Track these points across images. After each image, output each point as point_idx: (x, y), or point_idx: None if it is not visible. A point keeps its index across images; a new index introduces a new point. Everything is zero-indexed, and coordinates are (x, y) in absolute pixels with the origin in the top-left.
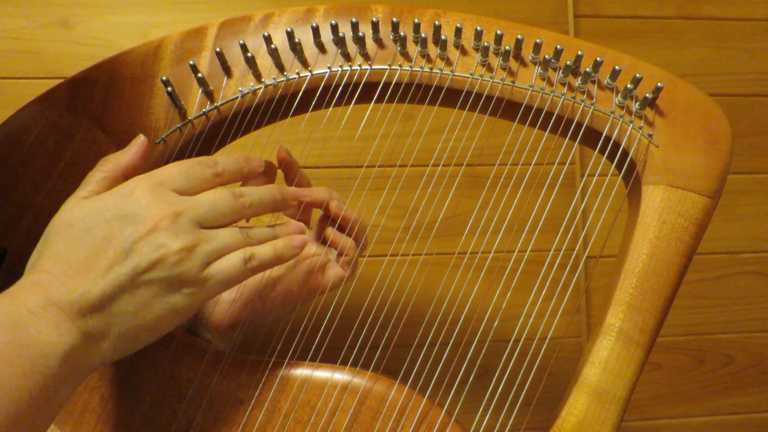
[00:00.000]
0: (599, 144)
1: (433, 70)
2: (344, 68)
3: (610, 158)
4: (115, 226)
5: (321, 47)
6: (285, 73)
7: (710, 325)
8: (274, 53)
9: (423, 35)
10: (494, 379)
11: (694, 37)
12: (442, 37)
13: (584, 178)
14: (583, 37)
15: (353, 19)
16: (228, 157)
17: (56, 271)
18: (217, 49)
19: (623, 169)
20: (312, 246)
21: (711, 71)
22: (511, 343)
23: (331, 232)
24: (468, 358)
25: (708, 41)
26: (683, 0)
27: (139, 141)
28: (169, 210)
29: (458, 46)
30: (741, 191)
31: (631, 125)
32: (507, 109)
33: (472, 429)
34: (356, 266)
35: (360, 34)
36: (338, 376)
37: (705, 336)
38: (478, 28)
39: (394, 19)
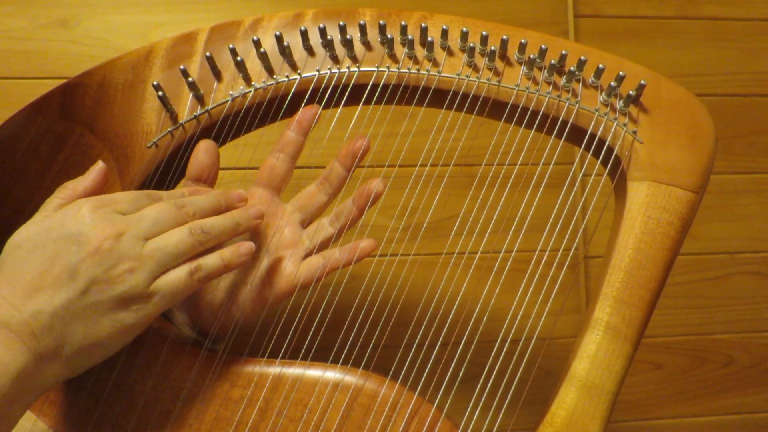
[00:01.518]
0: (584, 141)
1: (421, 71)
2: (333, 71)
3: (596, 155)
4: (60, 246)
5: (310, 50)
6: (274, 77)
7: (710, 325)
8: (263, 57)
9: (410, 37)
10: (490, 379)
11: (694, 37)
12: (429, 38)
13: (579, 177)
14: (582, 37)
15: (341, 23)
16: (204, 197)
17: (5, 292)
18: (207, 54)
19: (609, 166)
20: (287, 233)
21: (711, 71)
22: (498, 342)
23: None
24: (458, 357)
25: (708, 41)
26: (683, 0)
27: (98, 167)
28: (111, 230)
29: (445, 47)
30: (741, 191)
31: (616, 122)
32: (494, 108)
33: (461, 427)
34: (331, 271)
35: (348, 37)
36: (330, 374)
37: (705, 336)
38: (464, 29)
39: (382, 22)
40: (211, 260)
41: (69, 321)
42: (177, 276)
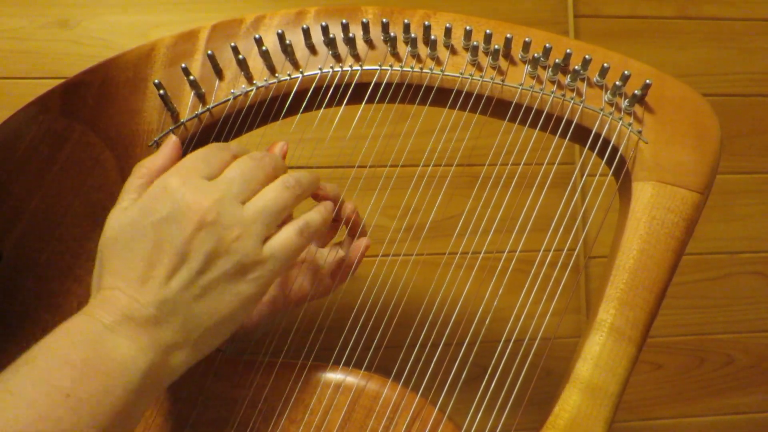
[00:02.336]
0: (589, 141)
1: (424, 70)
2: (335, 69)
3: (600, 155)
4: (160, 230)
5: (312, 49)
6: (276, 75)
7: (710, 325)
8: (265, 55)
9: (413, 35)
10: (493, 379)
11: (694, 37)
12: (432, 37)
13: (584, 177)
14: (583, 37)
15: (344, 21)
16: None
17: (121, 285)
18: (209, 52)
19: (613, 166)
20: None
21: (711, 71)
22: (502, 342)
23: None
24: (461, 357)
25: (708, 41)
26: (683, 0)
27: (171, 141)
28: (207, 200)
29: (448, 45)
30: (741, 191)
31: (621, 122)
32: (497, 107)
33: (464, 428)
34: (344, 280)
35: (350, 35)
36: (331, 375)
37: (705, 336)
38: (468, 27)
39: (384, 20)
40: (314, 215)
41: (191, 303)
42: (287, 236)
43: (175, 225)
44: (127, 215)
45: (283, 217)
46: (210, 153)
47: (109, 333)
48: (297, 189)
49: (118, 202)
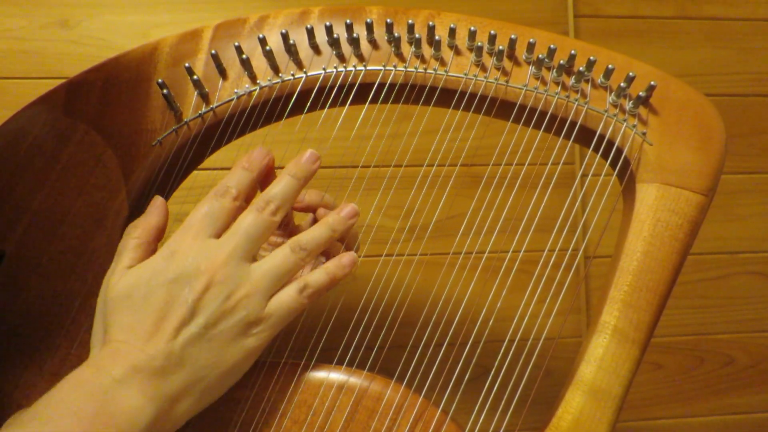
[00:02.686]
0: (593, 142)
1: (428, 71)
2: (339, 69)
3: (605, 156)
4: (172, 290)
5: (316, 49)
6: (280, 75)
7: (710, 325)
8: (269, 55)
9: (417, 36)
10: (497, 379)
11: (694, 37)
12: (436, 37)
13: (588, 178)
14: (583, 37)
15: (348, 21)
16: (234, 172)
17: (131, 339)
18: (213, 52)
19: (617, 168)
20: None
21: (711, 71)
22: (506, 343)
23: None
24: (464, 358)
25: (708, 41)
26: (683, 0)
27: (159, 202)
28: (215, 262)
29: (452, 46)
30: (741, 191)
31: (625, 124)
32: (501, 108)
33: (467, 428)
34: (335, 284)
35: (354, 35)
36: (334, 375)
37: (705, 336)
38: (472, 28)
39: (388, 20)
40: (317, 276)
41: (197, 357)
42: (288, 295)
43: (185, 285)
44: (137, 275)
45: (287, 279)
46: (213, 208)
47: (118, 385)
48: (302, 254)
49: (116, 261)
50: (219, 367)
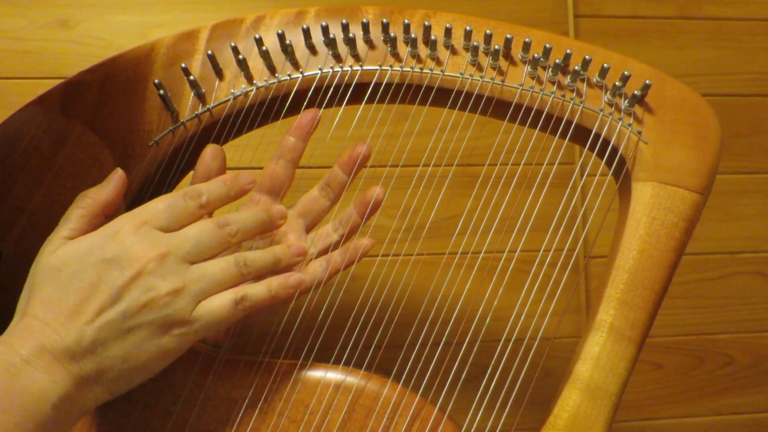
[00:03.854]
0: (589, 141)
1: (424, 70)
2: (335, 69)
3: (600, 155)
4: (102, 270)
5: (312, 49)
6: (276, 75)
7: (710, 325)
8: (265, 55)
9: (413, 36)
10: (494, 378)
11: (694, 37)
12: (432, 37)
13: (584, 178)
14: (582, 37)
15: (344, 21)
16: (213, 182)
17: (47, 317)
18: (209, 52)
19: (613, 166)
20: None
21: (711, 71)
22: (502, 342)
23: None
24: (460, 357)
25: (708, 41)
26: (683, 0)
27: (117, 175)
28: (154, 252)
29: (448, 46)
30: (741, 191)
31: (621, 122)
32: (497, 108)
33: (464, 426)
34: (335, 273)
35: (350, 35)
36: (331, 375)
37: (705, 336)
38: (468, 28)
39: (384, 20)
40: (257, 290)
41: (111, 345)
42: (221, 304)
43: (116, 268)
44: (73, 248)
45: (221, 290)
46: (176, 202)
47: (25, 364)
48: (244, 269)
49: (57, 229)
50: (129, 361)
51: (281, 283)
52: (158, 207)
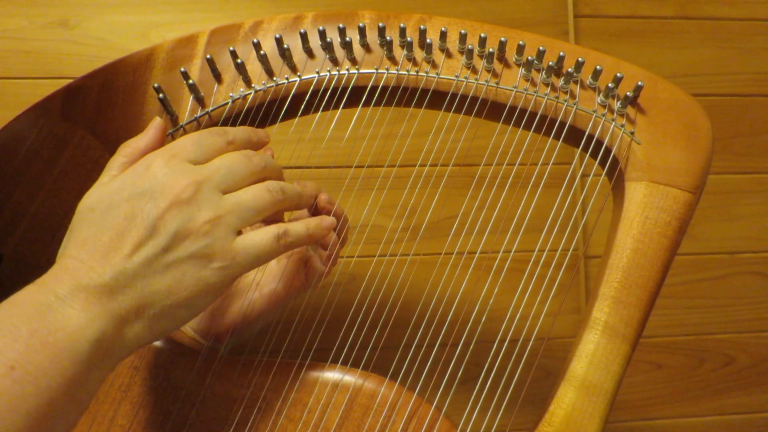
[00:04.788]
0: (582, 142)
1: (419, 73)
2: (332, 73)
3: (594, 156)
4: (135, 204)
5: (309, 53)
6: (274, 79)
7: (710, 325)
8: (263, 59)
9: (409, 39)
10: (489, 379)
11: (694, 37)
12: (428, 40)
13: (577, 178)
14: (582, 37)
15: (340, 25)
16: (237, 128)
17: (83, 255)
18: (208, 56)
19: (606, 167)
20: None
21: (711, 71)
22: (497, 342)
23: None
24: (455, 357)
25: (708, 41)
26: (683, 0)
27: (156, 123)
28: (187, 180)
29: (443, 49)
30: (741, 191)
31: (613, 123)
32: (492, 110)
33: (460, 425)
34: (336, 261)
35: (347, 39)
36: (329, 374)
37: (705, 336)
38: (462, 31)
39: (381, 24)
40: (298, 227)
41: (151, 280)
42: (263, 237)
43: (150, 200)
44: (106, 188)
45: (259, 218)
46: (204, 137)
47: (60, 303)
48: (279, 195)
49: (99, 179)
50: (172, 296)
51: (318, 223)
52: (186, 142)
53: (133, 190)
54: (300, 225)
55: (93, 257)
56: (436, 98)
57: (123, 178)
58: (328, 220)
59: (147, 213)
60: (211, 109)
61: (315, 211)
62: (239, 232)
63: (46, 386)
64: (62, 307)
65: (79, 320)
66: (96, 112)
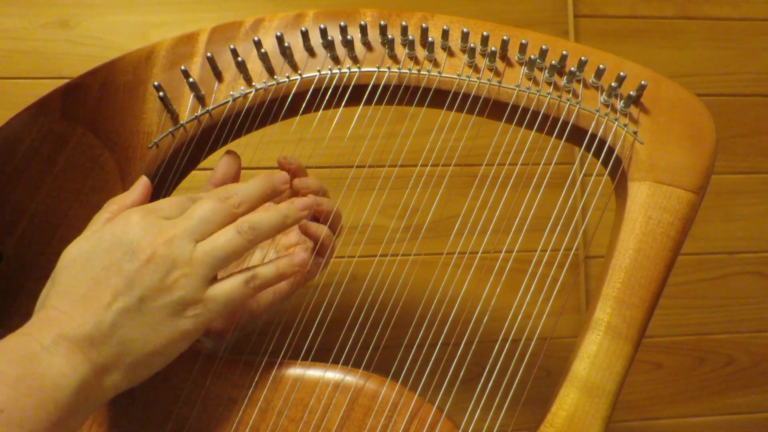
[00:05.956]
0: (585, 142)
1: (421, 72)
2: (333, 71)
3: (596, 155)
4: (114, 256)
5: (311, 51)
6: (275, 77)
7: (710, 325)
8: (264, 57)
9: (410, 38)
10: (491, 379)
11: (694, 37)
12: (429, 39)
13: (580, 178)
14: (583, 37)
15: (342, 23)
16: (247, 184)
17: (64, 306)
18: (209, 54)
19: (609, 166)
20: (293, 235)
21: (711, 71)
22: (499, 342)
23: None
24: (458, 357)
25: (708, 41)
26: (683, 0)
27: (142, 182)
28: (162, 237)
29: (445, 47)
30: (741, 191)
31: (616, 123)
32: (494, 108)
33: (462, 426)
34: (332, 254)
35: (349, 37)
36: (330, 374)
37: (705, 336)
38: (465, 29)
39: (382, 23)
40: (266, 270)
41: (128, 330)
42: (232, 284)
43: (127, 255)
44: (88, 241)
45: (231, 261)
46: (181, 201)
47: (45, 351)
48: (250, 235)
49: (83, 232)
50: (149, 345)
51: (288, 262)
52: (166, 202)
53: (112, 242)
54: (269, 267)
55: (74, 308)
56: (438, 97)
57: (103, 231)
58: (299, 258)
59: (124, 266)
60: (211, 107)
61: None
62: (214, 277)
63: (30, 429)
64: (47, 356)
65: (63, 368)
66: (96, 111)
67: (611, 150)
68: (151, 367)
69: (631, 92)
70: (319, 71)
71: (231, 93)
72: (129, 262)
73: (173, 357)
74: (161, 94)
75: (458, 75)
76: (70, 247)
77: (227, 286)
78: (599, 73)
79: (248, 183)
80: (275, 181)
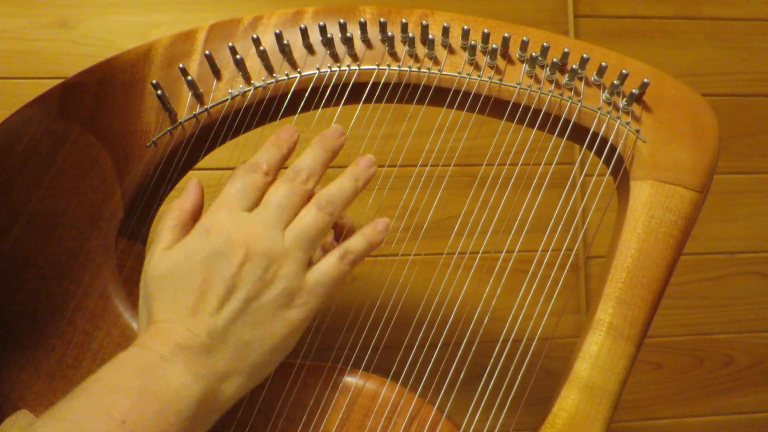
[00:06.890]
0: (587, 140)
1: (421, 70)
2: (333, 69)
3: (598, 154)
4: (210, 266)
5: (310, 48)
6: (274, 75)
7: (710, 325)
8: (263, 55)
9: (411, 35)
10: (491, 379)
11: (694, 37)
12: (430, 36)
13: (581, 177)
14: (582, 37)
15: (341, 20)
16: (262, 150)
17: (173, 318)
18: (207, 52)
19: (611, 165)
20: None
21: (711, 71)
22: (500, 343)
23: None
24: (458, 358)
25: (708, 41)
26: (683, 0)
27: (194, 183)
28: (248, 233)
29: (446, 45)
30: (741, 191)
31: (619, 121)
32: (495, 107)
33: (462, 427)
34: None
35: (348, 34)
36: (330, 375)
37: (705, 336)
38: (465, 27)
39: (382, 20)
40: (356, 242)
41: (241, 332)
42: (329, 263)
43: (223, 259)
44: (174, 255)
45: (321, 239)
46: (243, 182)
47: (164, 362)
48: (330, 208)
49: (155, 243)
50: (265, 343)
51: (372, 229)
52: (232, 192)
53: (204, 254)
54: (357, 238)
55: (183, 319)
56: (439, 95)
57: (188, 243)
58: (382, 222)
59: (223, 272)
60: (209, 105)
61: None
62: (309, 262)
63: None
64: (167, 366)
65: (184, 379)
66: (94, 109)
67: (613, 148)
68: (271, 364)
69: (634, 90)
70: (318, 69)
71: (229, 91)
72: (226, 266)
73: (290, 350)
74: (159, 92)
75: (459, 73)
76: (158, 262)
77: (325, 267)
78: (601, 71)
79: (308, 154)
80: (330, 141)
